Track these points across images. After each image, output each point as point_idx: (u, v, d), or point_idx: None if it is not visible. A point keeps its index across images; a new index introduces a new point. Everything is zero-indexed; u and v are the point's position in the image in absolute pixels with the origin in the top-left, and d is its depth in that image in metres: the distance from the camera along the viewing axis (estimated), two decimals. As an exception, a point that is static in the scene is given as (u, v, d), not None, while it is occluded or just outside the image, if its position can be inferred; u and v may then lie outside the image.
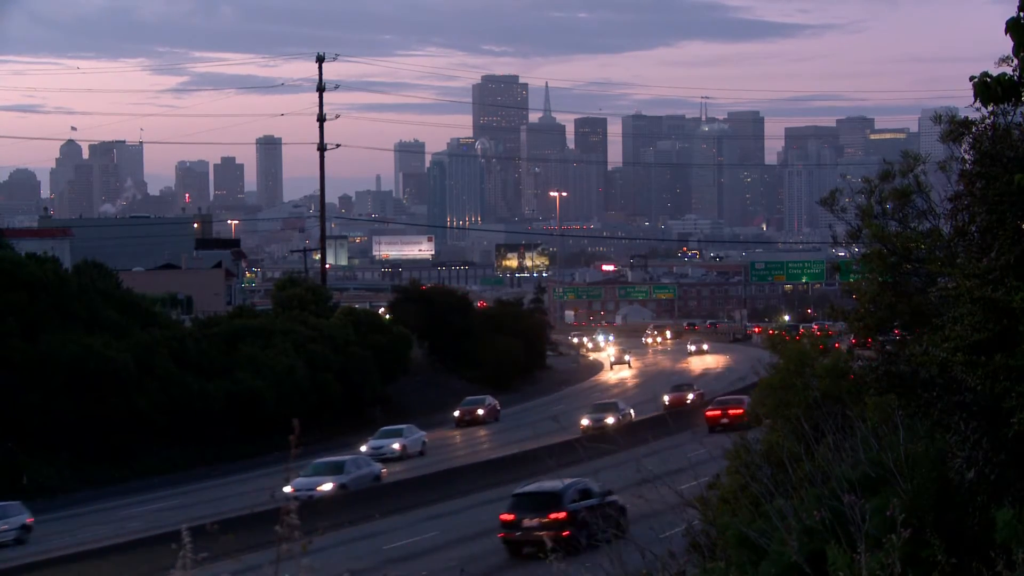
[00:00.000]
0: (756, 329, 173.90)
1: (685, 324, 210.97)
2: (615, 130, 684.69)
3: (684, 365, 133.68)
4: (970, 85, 12.26)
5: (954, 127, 18.45)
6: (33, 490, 64.53)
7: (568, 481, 40.52)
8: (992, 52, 12.91)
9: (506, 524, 39.57)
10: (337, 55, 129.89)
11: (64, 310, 73.80)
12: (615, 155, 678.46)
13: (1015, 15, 11.51)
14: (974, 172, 14.88)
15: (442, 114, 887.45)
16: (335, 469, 56.72)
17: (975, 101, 12.37)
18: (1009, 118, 14.92)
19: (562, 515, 38.05)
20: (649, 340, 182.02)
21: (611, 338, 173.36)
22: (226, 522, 43.12)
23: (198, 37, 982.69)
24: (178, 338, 79.36)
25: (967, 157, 16.97)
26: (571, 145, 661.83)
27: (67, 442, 68.77)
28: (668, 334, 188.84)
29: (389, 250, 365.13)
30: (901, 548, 10.67)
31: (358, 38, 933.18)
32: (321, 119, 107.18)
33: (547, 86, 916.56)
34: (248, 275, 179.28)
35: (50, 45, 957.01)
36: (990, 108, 14.11)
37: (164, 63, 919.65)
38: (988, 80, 12.06)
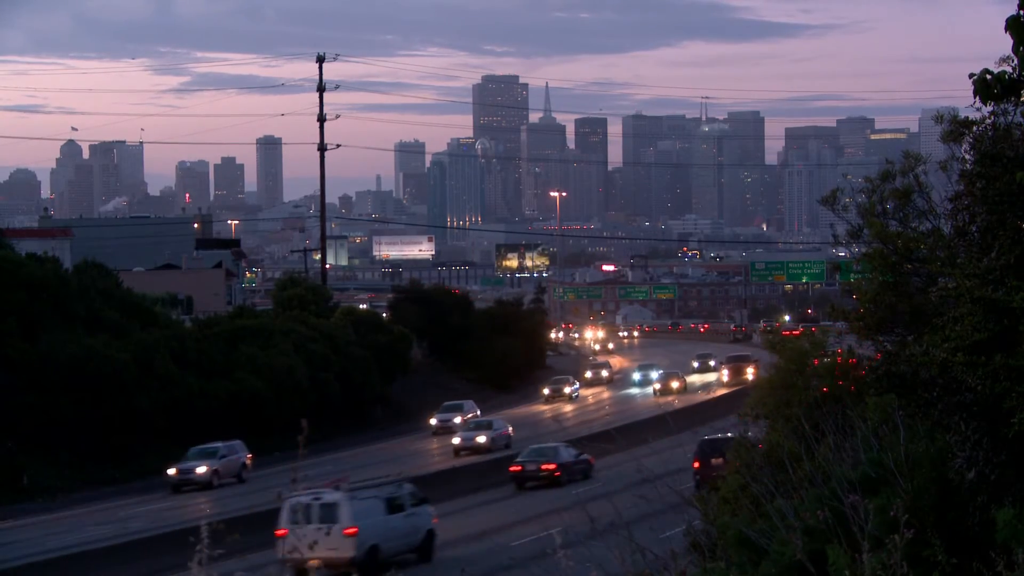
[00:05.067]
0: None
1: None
2: (615, 130, 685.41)
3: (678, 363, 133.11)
4: (970, 86, 12.28)
5: (954, 127, 18.46)
6: (33, 490, 64.56)
7: None
8: (993, 52, 12.92)
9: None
10: (337, 55, 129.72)
11: (64, 310, 73.82)
12: (615, 155, 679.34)
13: (1015, 13, 11.53)
14: (974, 172, 14.88)
15: (442, 114, 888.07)
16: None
17: (975, 99, 12.39)
18: (1009, 118, 14.92)
19: None
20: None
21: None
22: (228, 522, 42.98)
23: (200, 37, 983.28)
24: (178, 338, 79.36)
25: (967, 157, 16.99)
26: (571, 145, 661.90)
27: (67, 442, 68.75)
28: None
29: (389, 250, 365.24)
30: (903, 548, 10.68)
31: (360, 38, 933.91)
32: (321, 119, 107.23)
33: (547, 86, 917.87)
34: (248, 275, 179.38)
35: (52, 45, 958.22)
36: (990, 107, 14.13)
37: (166, 63, 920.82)
38: (988, 77, 12.08)
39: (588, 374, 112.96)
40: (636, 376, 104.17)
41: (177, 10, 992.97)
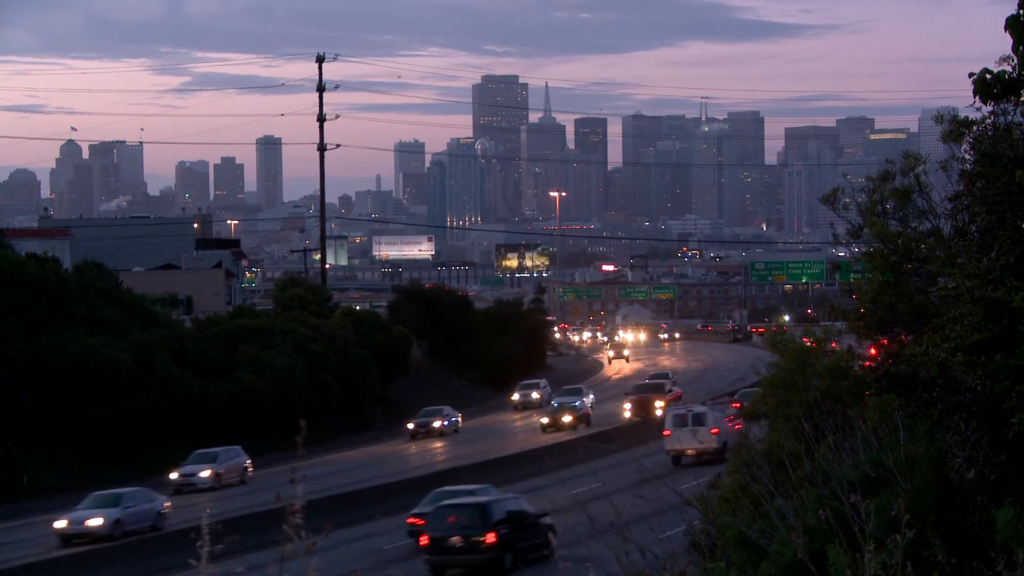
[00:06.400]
0: (753, 330, 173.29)
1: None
2: (615, 130, 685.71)
3: (684, 364, 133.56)
4: (970, 86, 12.28)
5: (955, 127, 18.47)
6: (33, 490, 64.56)
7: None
8: (994, 52, 12.92)
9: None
10: (337, 55, 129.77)
11: (64, 310, 73.82)
12: (615, 155, 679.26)
13: (1015, 13, 11.54)
14: (974, 172, 14.88)
15: (442, 114, 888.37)
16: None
17: (975, 99, 12.39)
18: (1009, 118, 14.93)
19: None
20: None
21: None
22: (228, 522, 43.00)
23: (205, 37, 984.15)
24: (178, 338, 79.37)
25: (967, 157, 17.00)
26: (571, 145, 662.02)
27: (67, 442, 68.76)
28: None
29: (389, 250, 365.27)
30: (903, 548, 10.67)
31: (360, 38, 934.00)
32: (321, 119, 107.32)
33: (547, 86, 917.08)
34: (248, 275, 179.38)
35: (53, 46, 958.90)
36: (990, 107, 14.13)
37: (166, 63, 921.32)
38: (988, 77, 12.08)
39: (516, 396, 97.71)
40: (554, 403, 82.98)
41: (187, 10, 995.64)
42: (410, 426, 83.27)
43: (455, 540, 37.26)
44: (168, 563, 38.48)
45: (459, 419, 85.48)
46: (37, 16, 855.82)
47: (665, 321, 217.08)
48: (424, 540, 38.22)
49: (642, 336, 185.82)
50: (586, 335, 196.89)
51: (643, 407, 78.07)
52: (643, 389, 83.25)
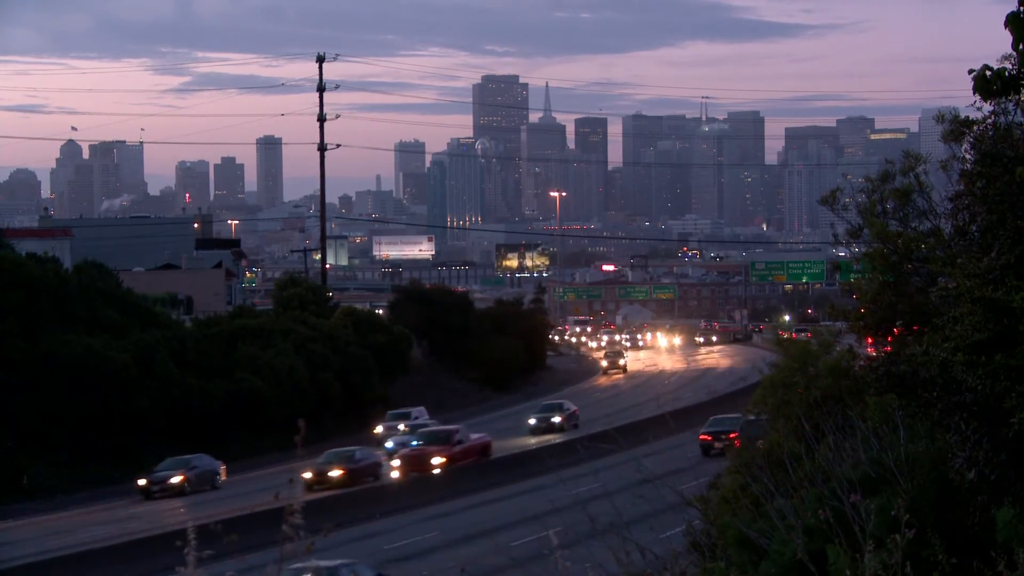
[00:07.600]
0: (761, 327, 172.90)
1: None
2: (615, 130, 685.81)
3: (684, 366, 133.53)
4: (970, 86, 12.28)
5: (955, 126, 18.47)
6: (33, 490, 64.57)
7: None
8: (994, 52, 12.92)
9: None
10: (337, 55, 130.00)
11: (64, 310, 73.85)
12: (615, 155, 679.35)
13: (1015, 10, 11.54)
14: (975, 172, 14.88)
15: (442, 114, 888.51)
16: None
17: (975, 96, 12.39)
18: (1010, 117, 14.93)
19: None
20: None
21: None
22: (228, 522, 43.04)
23: (209, 37, 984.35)
24: (178, 338, 79.40)
25: (968, 156, 16.99)
26: (571, 145, 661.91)
27: (67, 442, 68.79)
28: None
29: (389, 250, 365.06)
30: (903, 548, 10.67)
31: (361, 38, 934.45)
32: (321, 119, 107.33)
33: (547, 86, 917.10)
34: (248, 275, 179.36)
35: (54, 45, 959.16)
36: (990, 105, 14.13)
37: (167, 63, 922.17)
38: (988, 73, 12.08)
39: (379, 429, 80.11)
40: (388, 445, 70.35)
41: (197, 10, 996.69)
42: (141, 482, 62.70)
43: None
44: (170, 563, 38.45)
45: (221, 471, 64.92)
46: (39, 16, 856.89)
47: (705, 321, 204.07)
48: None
49: (676, 340, 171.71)
50: (618, 337, 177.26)
51: (416, 465, 62.12)
52: (432, 439, 65.64)
